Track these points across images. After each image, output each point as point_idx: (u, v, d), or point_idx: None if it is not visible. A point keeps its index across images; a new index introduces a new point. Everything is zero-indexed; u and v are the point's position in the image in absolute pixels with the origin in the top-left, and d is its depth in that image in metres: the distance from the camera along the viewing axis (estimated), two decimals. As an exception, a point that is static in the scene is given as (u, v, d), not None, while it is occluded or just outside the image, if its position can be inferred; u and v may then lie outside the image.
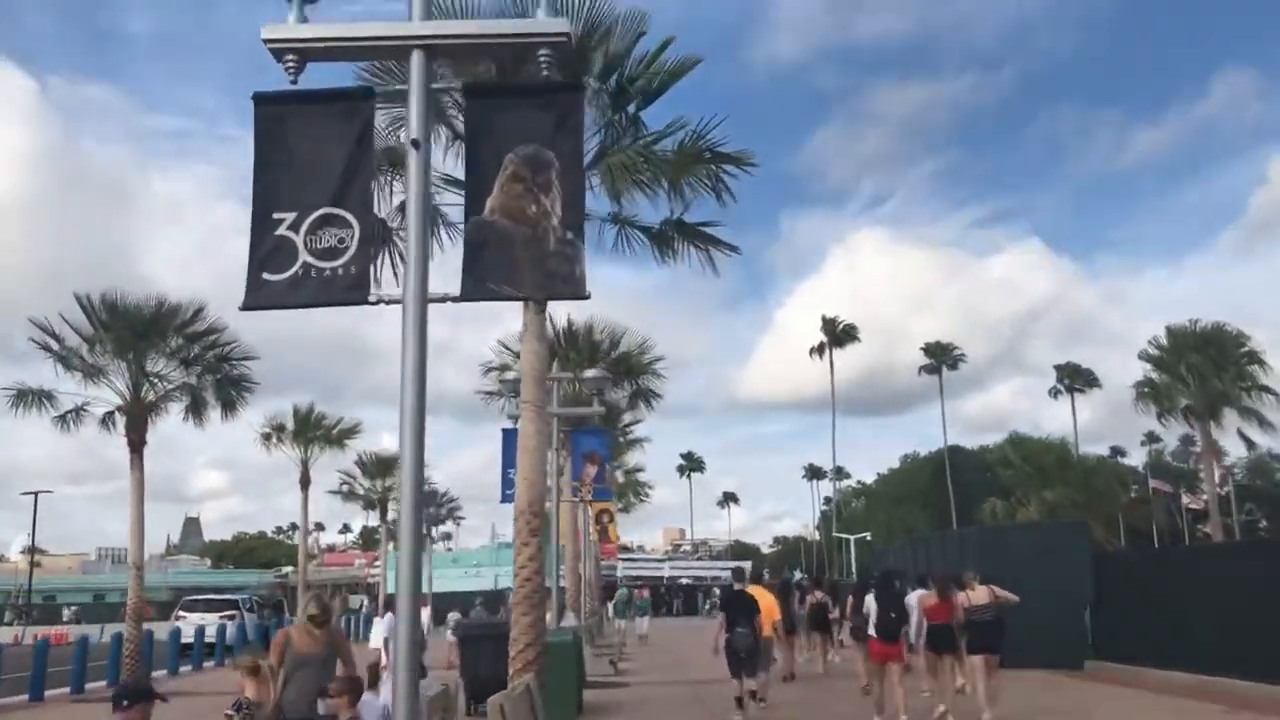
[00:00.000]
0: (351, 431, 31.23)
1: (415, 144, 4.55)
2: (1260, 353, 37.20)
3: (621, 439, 32.50)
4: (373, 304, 4.65)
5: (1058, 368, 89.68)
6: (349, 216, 4.69)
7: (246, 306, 4.74)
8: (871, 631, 13.18)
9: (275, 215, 4.70)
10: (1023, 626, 20.08)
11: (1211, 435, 38.04)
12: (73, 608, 65.14)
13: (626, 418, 31.57)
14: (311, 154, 4.77)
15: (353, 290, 4.64)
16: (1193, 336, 37.41)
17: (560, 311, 21.02)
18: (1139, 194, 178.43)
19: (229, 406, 21.27)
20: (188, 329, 20.52)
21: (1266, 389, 37.41)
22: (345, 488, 42.63)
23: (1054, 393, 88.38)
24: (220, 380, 20.97)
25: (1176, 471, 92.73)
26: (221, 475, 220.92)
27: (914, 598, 14.24)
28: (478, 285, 4.50)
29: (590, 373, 15.51)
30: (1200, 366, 36.33)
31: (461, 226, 4.66)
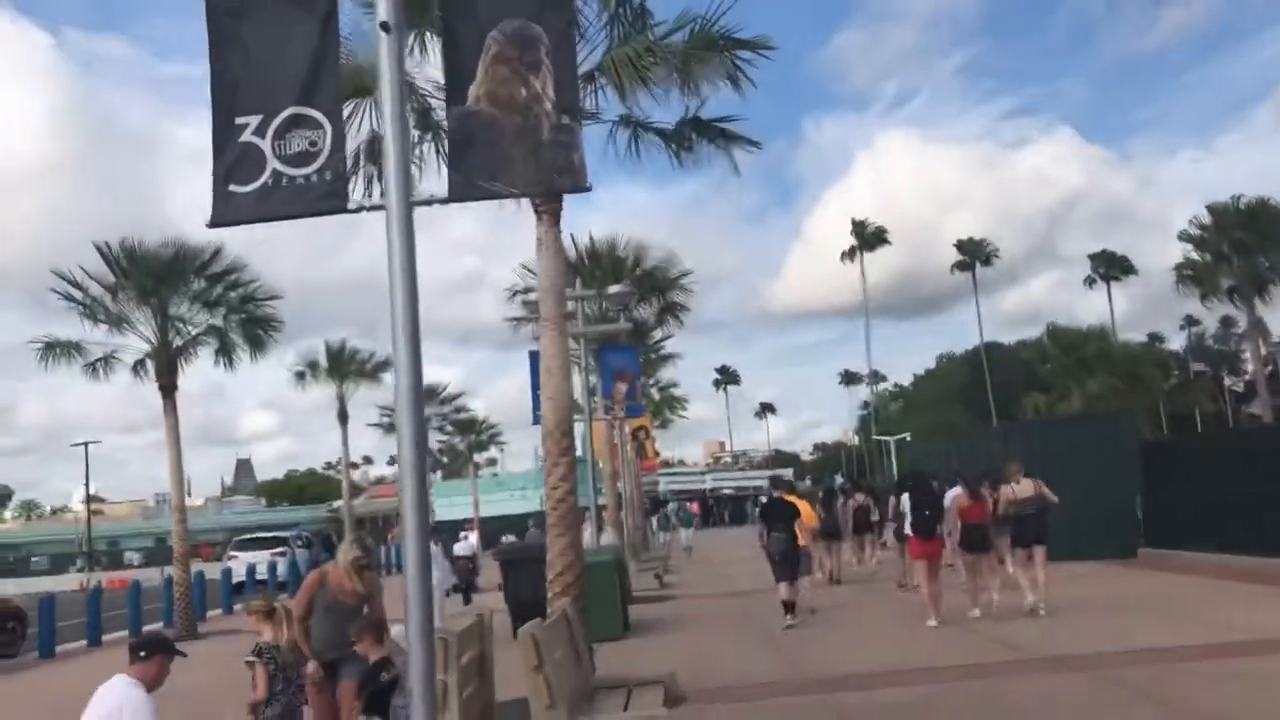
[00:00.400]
0: (385, 365, 31.07)
1: (385, 27, 3.99)
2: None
3: (653, 355, 32.21)
4: (352, 211, 4.28)
5: (1092, 256, 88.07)
6: (319, 116, 4.23)
7: (214, 223, 4.31)
8: (908, 530, 13.27)
9: (238, 120, 4.23)
10: (1074, 519, 19.88)
11: (1256, 313, 37.09)
12: (138, 553, 66.54)
13: (657, 334, 31.28)
14: (272, 49, 4.26)
15: (329, 198, 4.21)
16: (1235, 214, 36.23)
17: (581, 230, 20.67)
18: (1168, 73, 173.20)
19: (257, 346, 21.13)
20: (207, 270, 20.29)
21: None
22: (386, 419, 42.78)
23: (1089, 282, 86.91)
24: (245, 320, 20.79)
25: (1217, 355, 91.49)
26: (270, 416, 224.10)
27: (949, 496, 14.15)
28: (467, 184, 4.02)
29: (614, 288, 15.12)
30: (1245, 243, 35.23)
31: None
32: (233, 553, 34.85)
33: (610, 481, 20.05)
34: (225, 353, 21.17)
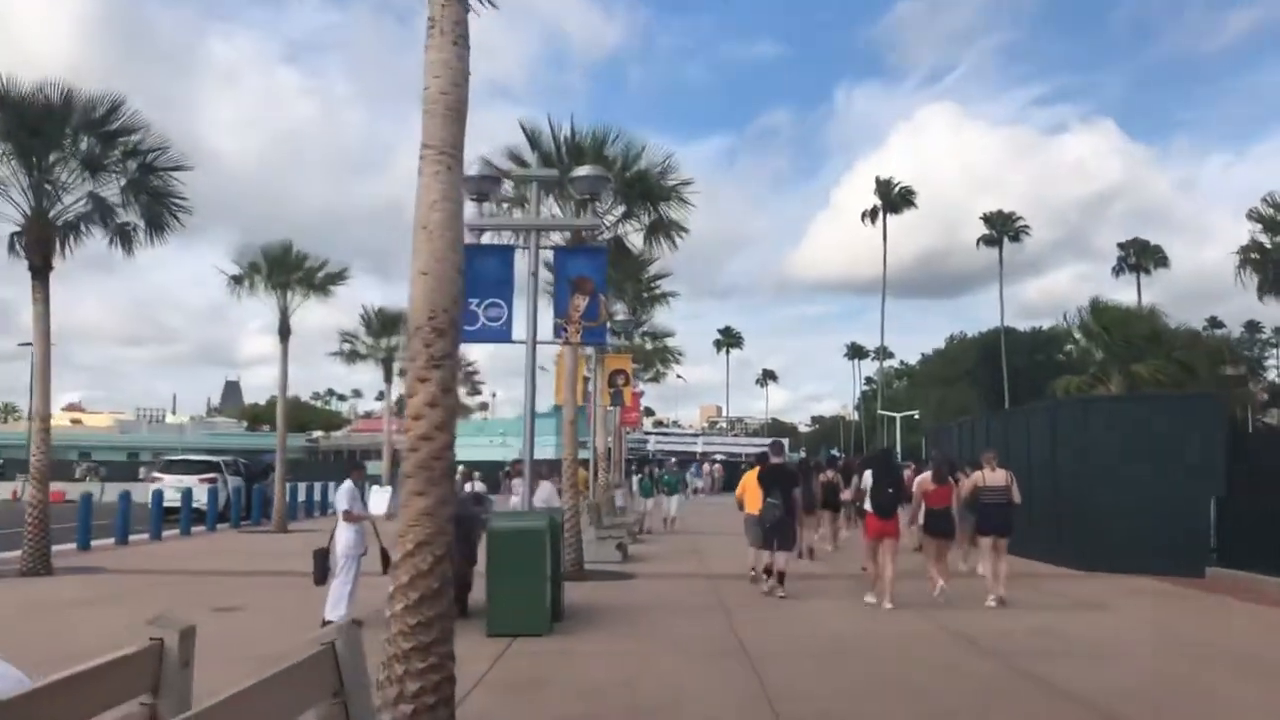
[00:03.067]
0: (338, 277, 27.19)
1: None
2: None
3: (645, 294, 28.34)
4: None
5: (1122, 245, 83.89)
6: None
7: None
8: (867, 507, 12.82)
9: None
10: (1129, 522, 16.25)
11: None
12: (83, 465, 63.33)
13: (652, 269, 27.42)
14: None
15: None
16: (1316, 193, 32.39)
17: (562, 116, 16.77)
18: (1219, 75, 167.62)
19: (156, 226, 17.29)
20: (100, 128, 16.45)
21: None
22: (347, 347, 38.99)
23: (1116, 271, 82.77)
24: (143, 193, 16.95)
25: (1244, 360, 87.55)
26: (272, 340, 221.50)
27: (917, 480, 13.92)
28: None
29: (582, 170, 11.37)
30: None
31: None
32: (157, 474, 31.23)
33: (567, 429, 16.31)
34: (121, 234, 17.35)
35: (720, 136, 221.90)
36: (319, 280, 26.98)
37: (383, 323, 38.60)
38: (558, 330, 11.54)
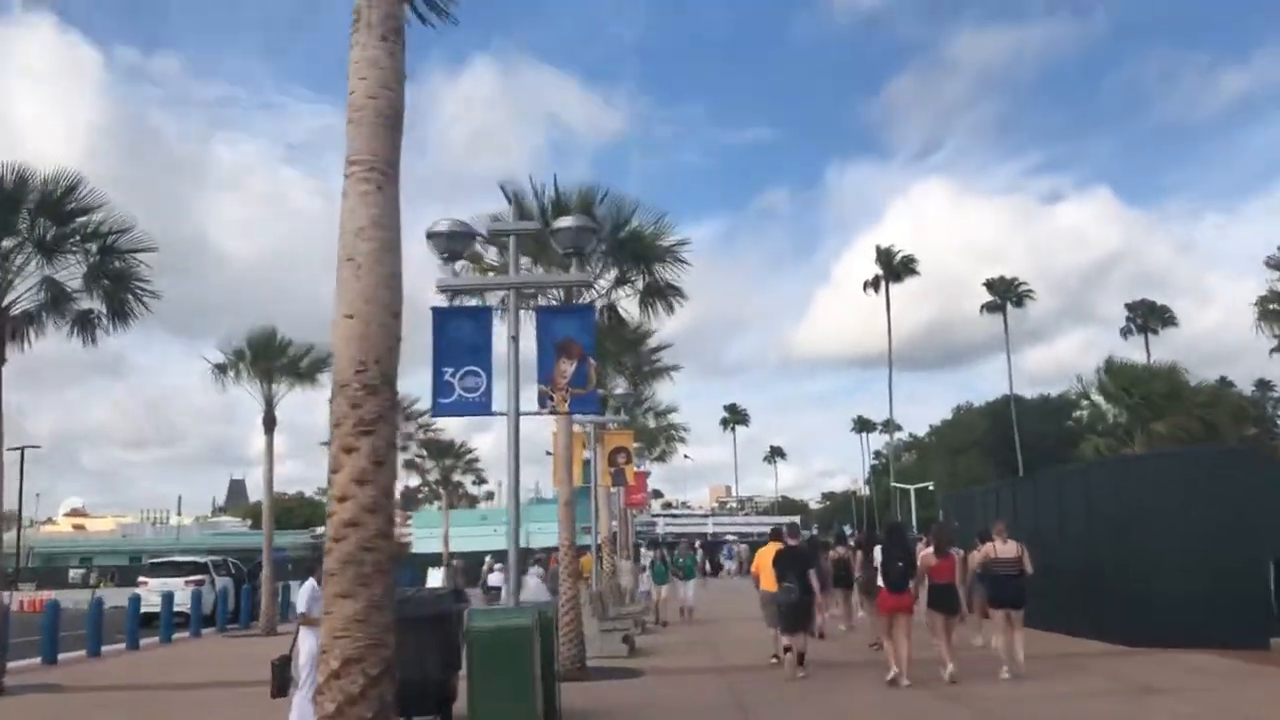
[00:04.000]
0: (323, 363, 26.02)
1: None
2: None
3: (646, 368, 27.18)
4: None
5: (1130, 306, 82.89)
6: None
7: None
8: (880, 583, 12.72)
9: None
10: (1182, 589, 14.83)
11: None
12: (79, 571, 61.65)
13: (652, 342, 26.29)
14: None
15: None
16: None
17: (543, 174, 15.77)
18: (1212, 137, 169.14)
19: (119, 314, 16.21)
20: (57, 210, 15.45)
21: None
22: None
23: (1125, 333, 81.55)
24: (105, 278, 15.88)
25: (1258, 420, 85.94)
26: (280, 438, 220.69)
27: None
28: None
29: (565, 221, 10.28)
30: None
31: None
32: (143, 579, 29.80)
33: (563, 512, 15.02)
34: (80, 321, 16.25)
35: (719, 218, 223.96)
36: (304, 367, 25.84)
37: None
38: (542, 400, 10.29)
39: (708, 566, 58.20)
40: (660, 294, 16.25)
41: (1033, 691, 11.79)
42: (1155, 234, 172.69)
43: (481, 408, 10.09)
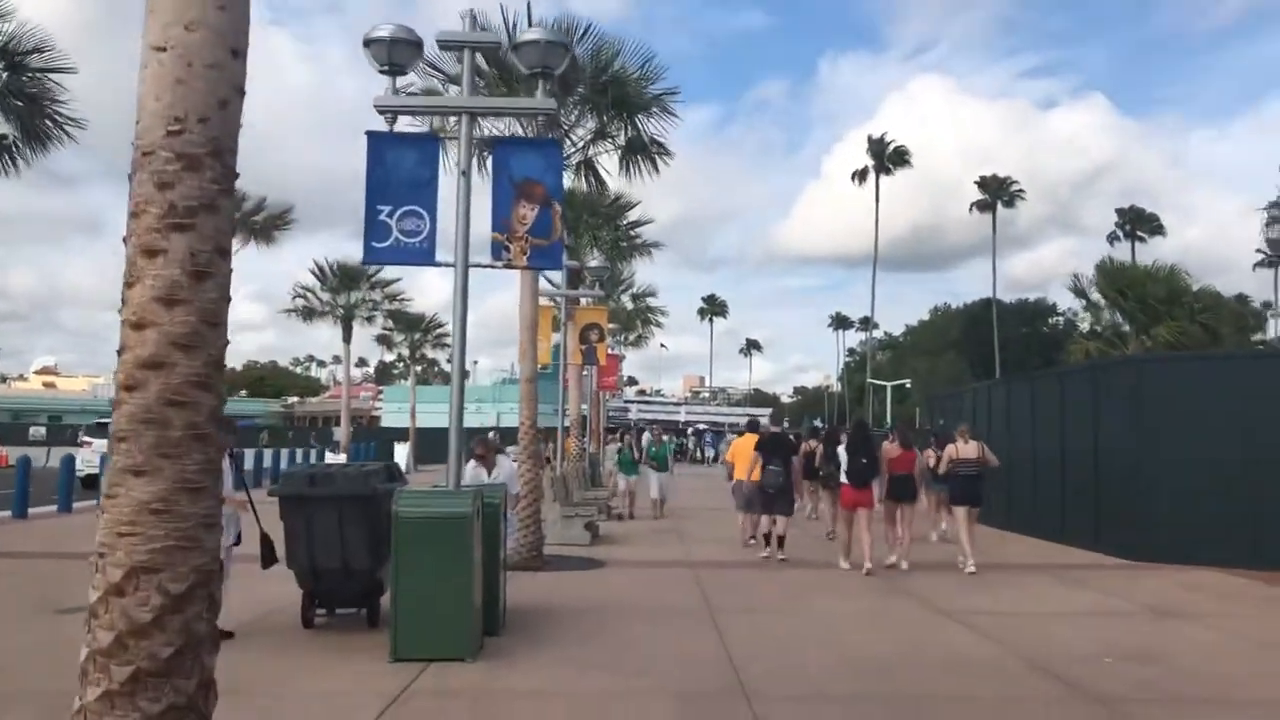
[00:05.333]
0: (281, 220, 24.19)
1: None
2: None
3: (625, 243, 25.45)
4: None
5: (1120, 211, 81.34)
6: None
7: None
8: (844, 478, 13.09)
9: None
10: (1197, 507, 13.68)
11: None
12: (41, 428, 60.26)
13: (633, 215, 24.56)
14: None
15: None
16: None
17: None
18: (1210, 50, 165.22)
19: (35, 138, 14.35)
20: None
21: None
22: (301, 303, 35.85)
23: (1113, 239, 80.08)
24: (13, 98, 13.95)
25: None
26: (261, 307, 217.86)
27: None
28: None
29: (531, 33, 8.52)
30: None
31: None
32: (85, 438, 28.38)
33: (525, 388, 13.54)
34: (-6, 149, 14.38)
35: (710, 107, 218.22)
36: (258, 223, 23.98)
37: (341, 277, 35.59)
38: (497, 250, 8.68)
39: (700, 454, 57.54)
40: (644, 151, 14.47)
41: (1032, 606, 10.61)
42: (1147, 146, 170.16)
43: (423, 255, 8.49)
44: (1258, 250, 79.46)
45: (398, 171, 8.44)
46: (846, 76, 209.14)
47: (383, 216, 8.43)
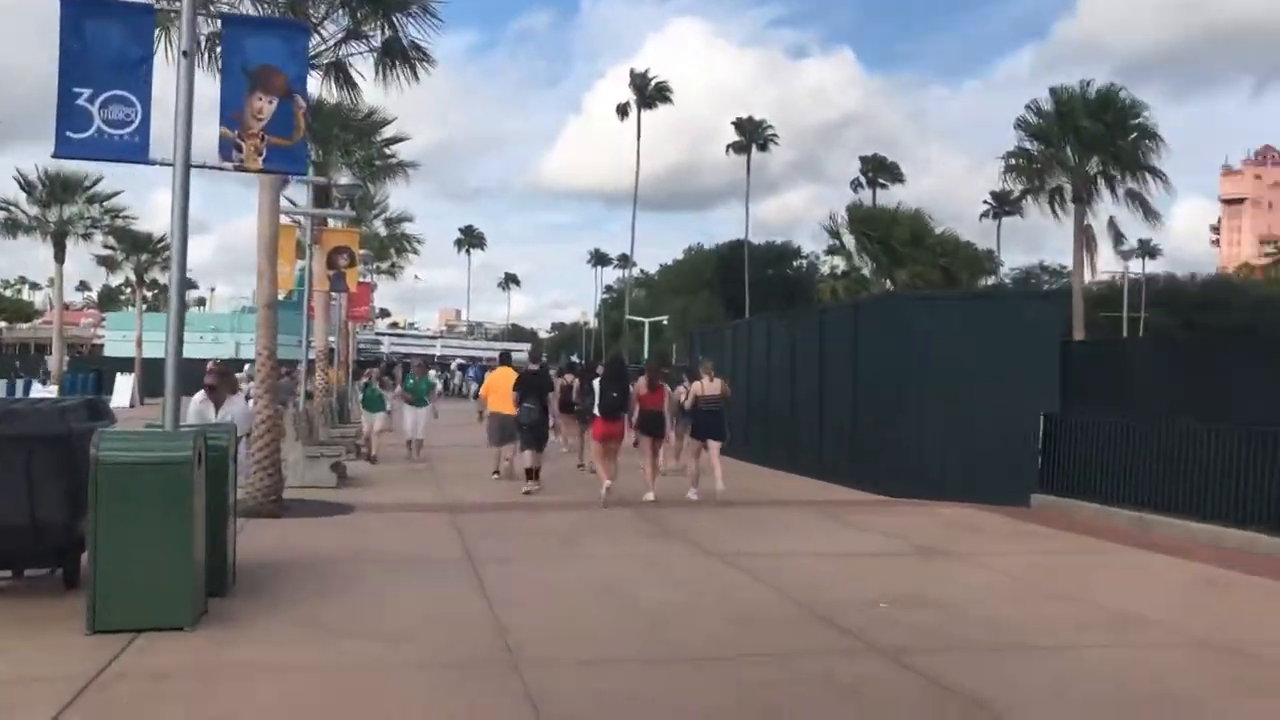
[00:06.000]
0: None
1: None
2: (1152, 126, 32.09)
3: (379, 162, 23.77)
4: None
5: (863, 159, 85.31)
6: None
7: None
8: (596, 411, 13.63)
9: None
10: (959, 447, 14.03)
11: (1085, 219, 33.05)
12: None
13: (388, 131, 22.95)
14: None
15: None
16: (1084, 101, 31.71)
17: None
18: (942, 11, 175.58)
19: None
20: None
21: (1154, 171, 32.49)
22: (3, 215, 31.74)
23: (855, 185, 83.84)
24: None
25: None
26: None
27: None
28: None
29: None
30: (1091, 135, 30.70)
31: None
32: None
33: (262, 314, 12.13)
34: None
35: (470, 30, 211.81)
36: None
37: (54, 188, 31.79)
38: (226, 147, 7.37)
39: (464, 389, 55.77)
40: (403, 55, 13.16)
41: (801, 545, 10.47)
42: (888, 100, 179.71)
43: (133, 150, 7.08)
44: (984, 202, 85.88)
45: (101, 46, 6.97)
46: (608, 12, 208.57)
47: (81, 101, 6.94)
